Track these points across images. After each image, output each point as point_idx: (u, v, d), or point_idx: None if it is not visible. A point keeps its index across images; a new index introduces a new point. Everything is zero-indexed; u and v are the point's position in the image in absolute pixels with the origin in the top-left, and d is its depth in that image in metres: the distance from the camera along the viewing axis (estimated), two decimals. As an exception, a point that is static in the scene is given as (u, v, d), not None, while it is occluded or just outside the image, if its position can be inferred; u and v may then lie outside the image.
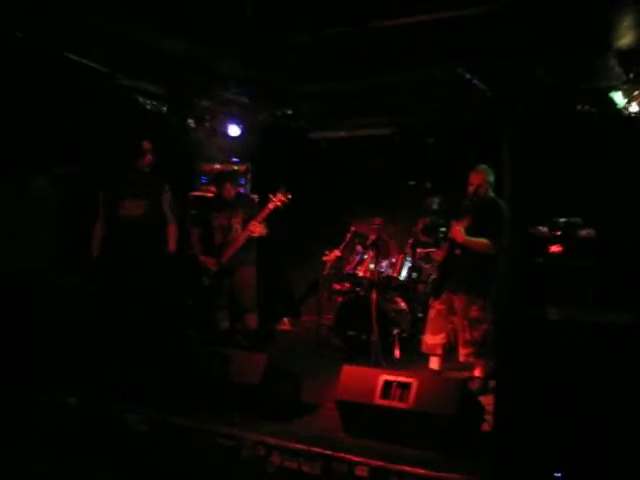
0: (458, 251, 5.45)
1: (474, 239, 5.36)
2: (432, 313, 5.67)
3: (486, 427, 4.17)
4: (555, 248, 6.11)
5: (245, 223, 6.32)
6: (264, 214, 6.22)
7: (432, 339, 5.60)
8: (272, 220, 6.33)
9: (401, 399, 4.08)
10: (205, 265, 6.41)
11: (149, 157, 5.86)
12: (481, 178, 5.53)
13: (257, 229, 6.25)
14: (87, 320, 5.67)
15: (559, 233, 6.15)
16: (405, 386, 4.11)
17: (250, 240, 6.35)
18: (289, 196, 6.18)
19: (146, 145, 5.86)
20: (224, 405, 4.78)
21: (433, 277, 5.80)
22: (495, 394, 3.87)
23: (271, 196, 6.20)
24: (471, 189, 5.50)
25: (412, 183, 5.37)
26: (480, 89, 7.08)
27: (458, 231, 5.35)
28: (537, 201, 7.08)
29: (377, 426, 4.18)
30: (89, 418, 4.98)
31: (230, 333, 6.54)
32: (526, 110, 7.47)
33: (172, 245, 5.96)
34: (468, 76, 6.69)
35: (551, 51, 6.04)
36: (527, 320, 3.95)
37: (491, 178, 5.60)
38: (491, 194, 5.60)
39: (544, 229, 6.32)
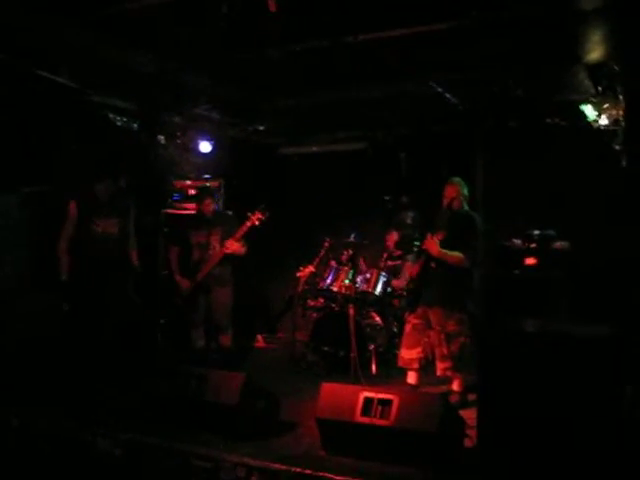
0: (433, 264, 5.45)
1: (449, 252, 5.36)
2: (408, 327, 5.64)
3: (469, 442, 4.14)
4: (530, 260, 6.12)
5: (223, 241, 6.27)
6: (242, 232, 6.18)
7: (408, 353, 5.57)
8: (247, 237, 6.28)
9: (382, 416, 4.03)
10: (179, 285, 6.36)
11: (123, 178, 5.81)
12: (455, 191, 5.54)
13: (234, 247, 6.20)
14: (58, 340, 5.55)
15: (534, 245, 6.15)
16: (386, 403, 4.06)
17: (226, 258, 6.29)
18: (267, 214, 6.15)
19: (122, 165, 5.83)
20: (201, 426, 4.70)
21: (407, 289, 5.75)
22: (478, 408, 3.84)
23: (249, 214, 6.16)
24: (446, 202, 5.51)
25: (387, 198, 5.35)
26: (451, 103, 7.11)
27: (433, 244, 5.35)
28: (511, 214, 7.10)
29: (358, 444, 4.12)
30: (60, 441, 4.86)
31: (205, 352, 6.46)
32: (497, 123, 7.51)
33: (135, 260, 6.05)
34: (439, 90, 6.70)
35: (521, 63, 6.07)
36: (505, 332, 3.94)
37: (465, 191, 5.63)
38: (465, 207, 5.61)
39: (518, 242, 6.32)
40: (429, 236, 5.39)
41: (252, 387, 4.70)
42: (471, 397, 5.32)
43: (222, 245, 6.25)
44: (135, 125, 7.50)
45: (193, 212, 7.55)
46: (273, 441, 4.61)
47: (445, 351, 5.39)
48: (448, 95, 6.86)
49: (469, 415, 4.40)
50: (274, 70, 6.54)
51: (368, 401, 4.11)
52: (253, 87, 7.21)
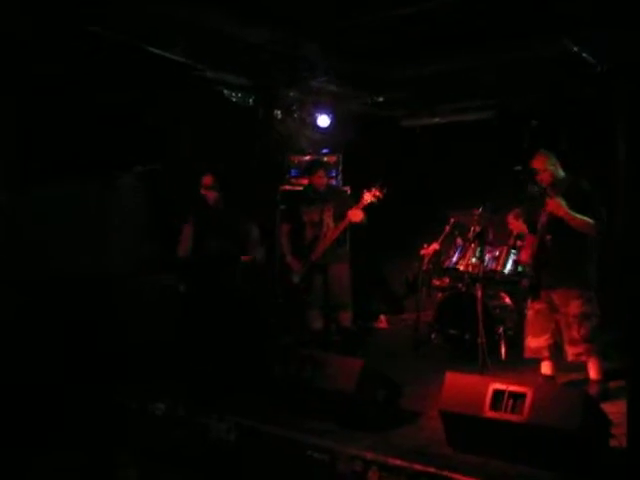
0: (549, 237, 4.85)
1: (578, 215, 4.75)
2: (531, 314, 5.12)
3: (614, 443, 3.65)
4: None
5: (337, 218, 6.00)
6: (363, 204, 5.89)
7: (535, 342, 5.05)
8: (367, 213, 6.00)
9: (514, 411, 3.61)
10: (291, 267, 6.19)
11: (211, 195, 5.65)
12: (542, 162, 4.99)
13: (358, 216, 5.90)
14: (175, 322, 5.47)
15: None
16: (518, 396, 3.63)
17: (342, 235, 6.03)
18: (384, 191, 5.85)
19: (207, 182, 5.64)
20: (317, 413, 4.45)
21: (527, 275, 5.17)
22: (628, 401, 3.34)
23: (365, 191, 5.88)
24: (539, 176, 4.96)
25: (519, 168, 4.84)
26: (589, 63, 6.43)
27: (558, 204, 4.72)
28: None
29: (487, 441, 3.72)
30: (176, 426, 4.77)
31: (324, 333, 6.25)
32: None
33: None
34: (575, 49, 6.06)
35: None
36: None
37: (553, 162, 5.03)
38: (562, 173, 5.03)
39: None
40: (551, 198, 4.76)
41: (371, 374, 4.40)
42: (612, 386, 4.81)
43: (336, 223, 5.99)
44: (251, 101, 7.33)
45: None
46: (393, 433, 4.30)
47: (575, 335, 4.82)
48: (585, 54, 6.19)
49: (613, 410, 3.93)
50: (393, 37, 6.17)
51: (498, 394, 3.68)
52: (371, 56, 6.83)
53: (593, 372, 4.90)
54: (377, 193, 5.85)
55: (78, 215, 5.76)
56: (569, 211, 4.73)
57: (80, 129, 5.73)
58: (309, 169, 6.44)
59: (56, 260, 5.48)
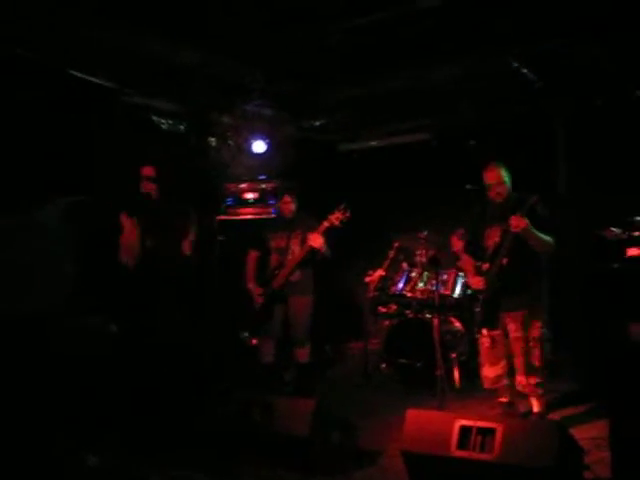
0: (505, 260, 4.60)
1: (539, 233, 4.55)
2: (486, 342, 4.85)
3: (589, 475, 3.41)
4: (634, 251, 5.30)
5: (303, 244, 5.75)
6: (323, 228, 5.61)
7: (493, 370, 4.84)
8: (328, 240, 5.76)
9: (483, 449, 3.34)
10: (252, 295, 5.91)
11: (149, 186, 5.32)
12: (496, 176, 4.80)
13: (319, 241, 5.61)
14: (106, 366, 5.04)
15: (638, 233, 5.33)
16: (487, 432, 3.36)
17: (307, 261, 5.79)
18: (347, 214, 5.58)
19: (147, 172, 5.32)
20: (268, 460, 4.09)
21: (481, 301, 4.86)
22: (610, 434, 3.12)
23: (328, 214, 5.62)
24: (494, 190, 4.77)
25: (470, 187, 4.63)
26: (528, 79, 6.33)
27: (522, 220, 4.46)
28: (602, 201, 6.32)
29: (455, 482, 3.44)
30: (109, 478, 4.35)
31: (274, 368, 5.95)
32: (581, 102, 6.71)
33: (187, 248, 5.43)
34: (515, 65, 5.95)
35: (613, 29, 5.28)
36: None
37: (507, 175, 4.86)
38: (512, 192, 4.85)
39: (617, 230, 5.51)
40: (513, 216, 4.50)
41: (324, 414, 4.07)
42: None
43: (302, 246, 5.73)
44: (182, 127, 6.98)
45: (251, 217, 7.11)
46: (354, 476, 3.97)
47: (535, 361, 4.64)
48: (525, 70, 6.08)
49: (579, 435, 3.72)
50: (329, 57, 5.95)
51: (465, 431, 3.41)
52: (307, 78, 6.60)
53: (537, 404, 4.72)
54: (340, 216, 5.58)
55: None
56: (534, 230, 4.52)
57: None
58: (275, 195, 6.32)
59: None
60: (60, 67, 5.32)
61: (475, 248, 4.87)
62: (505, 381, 4.79)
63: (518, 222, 4.47)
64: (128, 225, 5.24)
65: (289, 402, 4.21)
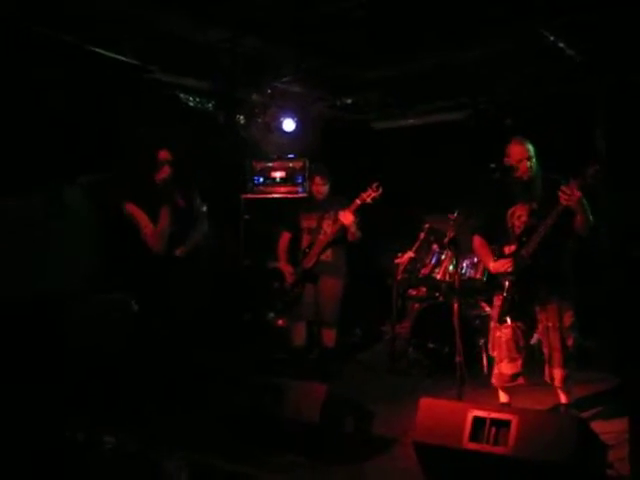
0: (539, 241, 4.22)
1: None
2: (506, 333, 4.38)
3: (612, 473, 3.22)
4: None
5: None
6: (355, 206, 5.53)
7: (511, 367, 4.37)
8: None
9: (497, 442, 3.16)
10: (284, 274, 5.84)
11: (165, 170, 5.29)
12: (523, 151, 4.42)
13: (348, 218, 5.51)
14: (124, 348, 5.00)
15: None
16: (502, 424, 3.18)
17: (338, 242, 5.69)
18: (379, 192, 5.49)
19: (163, 156, 5.26)
20: (280, 445, 3.99)
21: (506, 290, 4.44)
22: (630, 431, 2.92)
23: (361, 193, 5.53)
24: (524, 165, 4.39)
25: (494, 165, 4.41)
26: (566, 55, 6.04)
27: (576, 190, 3.99)
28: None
29: (467, 476, 3.28)
30: (126, 461, 4.30)
31: (304, 351, 5.89)
32: (623, 79, 6.38)
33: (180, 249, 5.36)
34: (552, 38, 5.67)
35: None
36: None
37: (533, 151, 4.48)
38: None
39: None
40: (569, 185, 4.04)
41: (337, 400, 3.95)
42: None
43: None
44: (210, 105, 6.88)
45: (279, 196, 7.01)
46: (365, 465, 3.86)
47: (567, 354, 4.29)
48: (562, 45, 5.80)
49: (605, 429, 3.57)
50: (361, 33, 5.75)
51: (478, 422, 3.24)
52: (339, 55, 6.41)
53: (565, 396, 4.40)
54: (373, 194, 5.48)
55: (20, 231, 5.27)
56: (585, 203, 4.11)
57: (21, 137, 5.25)
58: (308, 176, 6.27)
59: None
60: (85, 45, 5.25)
61: (491, 231, 4.61)
62: (521, 380, 4.41)
63: (572, 192, 4.02)
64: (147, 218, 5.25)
65: (301, 387, 4.08)
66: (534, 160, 4.43)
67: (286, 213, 6.19)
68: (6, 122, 5.12)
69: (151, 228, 5.20)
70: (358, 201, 5.51)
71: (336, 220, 5.64)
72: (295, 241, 5.97)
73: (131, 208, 5.26)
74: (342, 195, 5.89)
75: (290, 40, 6.00)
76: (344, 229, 5.61)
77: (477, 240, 4.68)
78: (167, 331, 5.05)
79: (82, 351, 5.11)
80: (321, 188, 5.86)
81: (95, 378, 4.95)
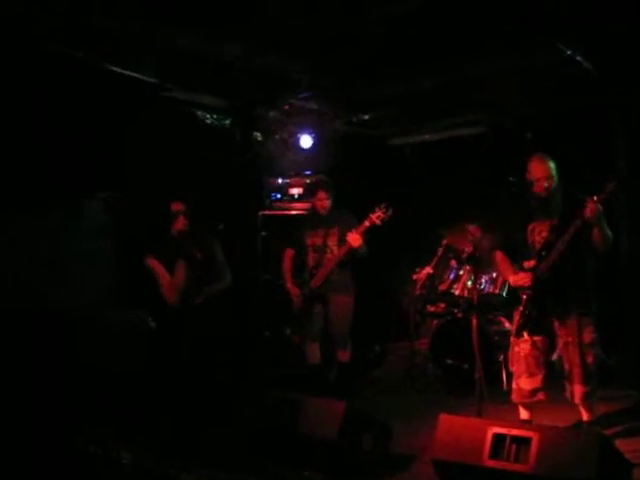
0: (557, 257, 4.21)
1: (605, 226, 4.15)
2: (525, 348, 4.34)
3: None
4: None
5: (341, 242, 5.60)
6: (363, 227, 5.48)
7: (531, 382, 4.31)
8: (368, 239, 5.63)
9: (517, 459, 3.11)
10: (291, 295, 5.79)
11: (180, 221, 5.29)
12: (546, 169, 4.39)
13: (358, 241, 5.46)
14: (141, 363, 5.00)
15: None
16: (522, 441, 3.14)
17: (345, 261, 5.63)
18: (389, 212, 5.44)
19: (176, 207, 5.28)
20: (297, 463, 3.95)
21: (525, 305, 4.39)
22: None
23: (369, 213, 5.48)
24: (542, 184, 4.36)
25: (513, 179, 4.37)
26: (584, 68, 6.00)
27: (597, 205, 4.01)
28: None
29: (487, 493, 3.23)
30: (143, 476, 4.28)
31: (320, 369, 5.84)
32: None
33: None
34: (569, 52, 5.63)
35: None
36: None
37: (554, 168, 4.45)
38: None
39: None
40: (591, 200, 4.04)
41: (355, 417, 3.91)
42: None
43: (340, 245, 5.57)
44: (227, 122, 6.90)
45: (296, 213, 7.00)
46: (383, 483, 3.81)
47: (587, 370, 4.22)
48: (579, 58, 5.76)
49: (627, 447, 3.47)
50: (378, 48, 5.75)
51: (499, 439, 3.20)
52: (355, 72, 6.42)
53: (587, 413, 4.33)
54: (381, 214, 5.43)
55: (39, 246, 5.31)
56: (603, 219, 4.11)
57: (40, 153, 5.30)
58: (310, 191, 6.10)
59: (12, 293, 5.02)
60: (103, 63, 5.29)
61: (511, 247, 4.57)
62: (541, 396, 4.34)
63: (594, 207, 4.03)
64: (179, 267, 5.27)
65: (319, 403, 4.06)
66: (555, 178, 4.40)
67: (289, 230, 6.15)
68: (25, 138, 5.17)
69: (168, 280, 5.21)
70: (367, 223, 5.46)
71: (342, 240, 5.59)
72: (301, 257, 5.91)
73: (151, 262, 5.27)
74: (346, 208, 5.87)
75: (306, 56, 6.01)
76: (352, 251, 5.56)
77: (498, 255, 4.66)
78: (184, 347, 5.02)
79: (98, 366, 5.12)
80: (325, 202, 5.78)
81: (112, 393, 4.96)
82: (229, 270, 5.53)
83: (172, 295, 5.20)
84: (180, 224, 5.27)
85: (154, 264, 5.23)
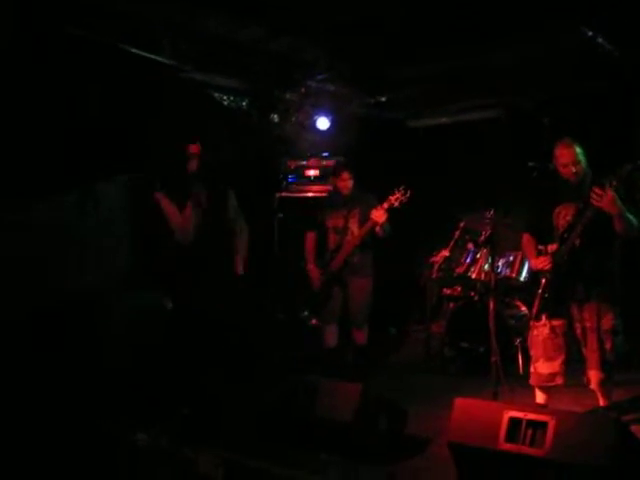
0: (578, 241, 4.18)
1: (630, 214, 4.08)
2: (544, 331, 4.34)
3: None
4: None
5: (363, 225, 5.60)
6: (388, 204, 5.48)
7: (549, 367, 4.31)
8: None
9: (533, 443, 3.12)
10: (311, 276, 5.79)
11: (194, 163, 5.25)
12: (572, 154, 4.33)
13: (382, 216, 5.45)
14: (159, 346, 5.04)
15: None
16: (538, 425, 3.14)
17: (366, 244, 5.65)
18: (407, 195, 5.46)
19: (193, 149, 5.25)
20: (314, 446, 3.98)
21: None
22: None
23: (389, 196, 5.49)
24: (563, 169, 4.34)
25: (532, 164, 4.34)
26: (605, 52, 5.92)
27: (612, 197, 3.97)
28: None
29: (502, 476, 3.24)
30: (160, 457, 4.33)
31: (338, 351, 5.85)
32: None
33: (238, 267, 5.33)
34: (590, 34, 5.56)
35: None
36: None
37: (582, 152, 4.40)
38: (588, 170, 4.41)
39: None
40: (604, 188, 3.98)
41: (371, 400, 3.94)
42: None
43: (362, 226, 5.58)
44: (244, 104, 6.90)
45: (313, 195, 7.00)
46: (398, 465, 3.83)
47: (604, 356, 4.21)
48: (600, 40, 5.69)
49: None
50: (397, 30, 5.72)
51: (514, 423, 3.20)
52: (372, 54, 6.38)
53: (604, 399, 4.32)
54: (400, 197, 5.46)
55: (55, 229, 5.34)
56: (621, 204, 4.03)
57: (56, 136, 5.31)
58: (333, 171, 6.07)
59: (30, 276, 5.05)
60: (120, 44, 5.29)
61: (539, 229, 4.54)
62: (559, 381, 4.34)
63: (604, 193, 3.98)
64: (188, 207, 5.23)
65: (335, 386, 4.08)
66: (583, 163, 4.35)
67: (310, 213, 6.12)
68: (41, 120, 5.18)
69: (177, 218, 5.19)
70: (385, 205, 5.47)
71: (364, 221, 5.59)
72: (322, 239, 5.90)
73: (159, 198, 5.25)
74: (369, 191, 5.85)
75: (324, 38, 5.98)
76: (373, 231, 5.56)
77: (525, 237, 4.64)
78: (201, 329, 5.05)
79: (117, 348, 5.17)
80: (348, 183, 5.75)
81: (129, 375, 5.00)
82: (245, 225, 5.51)
83: (183, 233, 5.19)
84: (193, 166, 5.26)
85: (165, 202, 5.23)
